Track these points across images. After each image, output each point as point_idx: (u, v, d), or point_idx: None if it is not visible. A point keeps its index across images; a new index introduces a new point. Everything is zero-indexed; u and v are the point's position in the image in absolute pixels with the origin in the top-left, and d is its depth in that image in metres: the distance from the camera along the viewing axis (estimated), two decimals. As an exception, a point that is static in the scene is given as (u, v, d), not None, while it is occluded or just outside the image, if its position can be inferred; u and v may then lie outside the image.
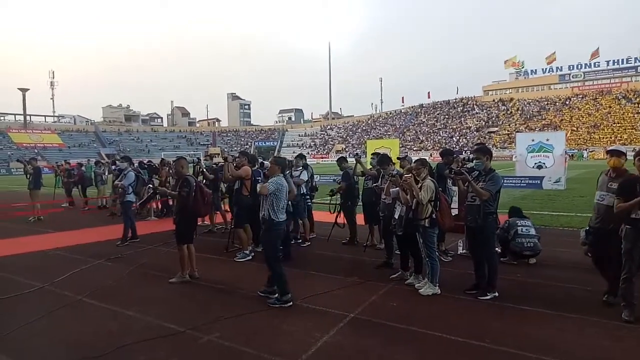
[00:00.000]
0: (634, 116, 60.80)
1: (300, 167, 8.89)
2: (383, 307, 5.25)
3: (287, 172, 7.88)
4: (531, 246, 6.94)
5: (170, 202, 12.27)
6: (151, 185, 12.15)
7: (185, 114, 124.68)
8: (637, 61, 67.93)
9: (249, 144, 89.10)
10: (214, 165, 11.11)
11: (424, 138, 75.43)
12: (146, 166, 14.05)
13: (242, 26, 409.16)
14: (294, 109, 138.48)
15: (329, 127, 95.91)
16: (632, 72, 68.72)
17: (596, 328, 4.53)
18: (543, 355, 3.92)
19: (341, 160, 8.97)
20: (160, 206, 13.32)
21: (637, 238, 4.58)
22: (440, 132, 75.98)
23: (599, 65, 71.13)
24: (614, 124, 60.87)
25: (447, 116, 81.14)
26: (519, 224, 7.10)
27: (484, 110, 77.95)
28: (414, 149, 68.66)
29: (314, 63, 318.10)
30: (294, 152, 45.42)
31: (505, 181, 18.65)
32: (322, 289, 5.86)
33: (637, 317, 4.58)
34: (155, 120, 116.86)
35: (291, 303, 5.31)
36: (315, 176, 10.00)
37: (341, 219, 8.80)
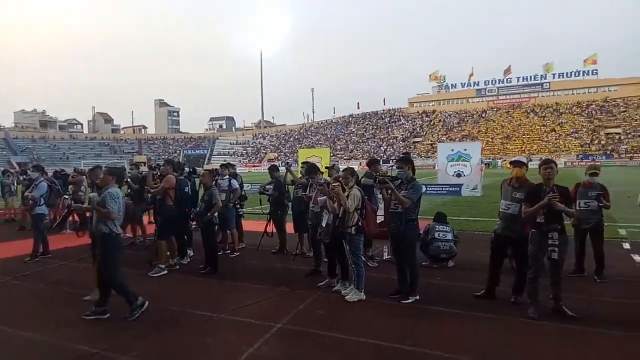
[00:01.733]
0: (540, 128, 66.77)
1: (227, 176, 8.76)
2: (310, 315, 5.27)
3: (213, 181, 7.80)
4: (447, 249, 7.36)
5: (87, 214, 11.50)
6: (67, 196, 11.30)
7: (108, 120, 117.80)
8: (543, 78, 74.74)
9: (178, 152, 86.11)
10: (140, 175, 10.59)
11: (353, 147, 77.36)
12: (60, 176, 13.08)
13: (171, 29, 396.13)
14: (225, 116, 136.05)
15: (261, 135, 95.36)
16: (539, 88, 75.49)
17: (507, 326, 4.87)
18: (460, 355, 4.13)
19: (273, 169, 8.98)
20: (76, 218, 12.42)
21: (541, 240, 5.00)
22: (369, 141, 78.39)
23: (511, 81, 77.34)
24: (524, 135, 66.38)
25: (375, 126, 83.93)
26: (436, 229, 7.51)
27: (409, 121, 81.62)
28: (345, 157, 70.14)
29: (246, 71, 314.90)
30: (225, 161, 44.48)
31: (428, 189, 19.59)
32: (249, 300, 5.78)
33: (541, 314, 4.98)
34: (75, 126, 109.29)
35: (146, 307, 5.24)
36: (245, 185, 9.92)
37: (271, 228, 8.76)
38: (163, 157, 73.84)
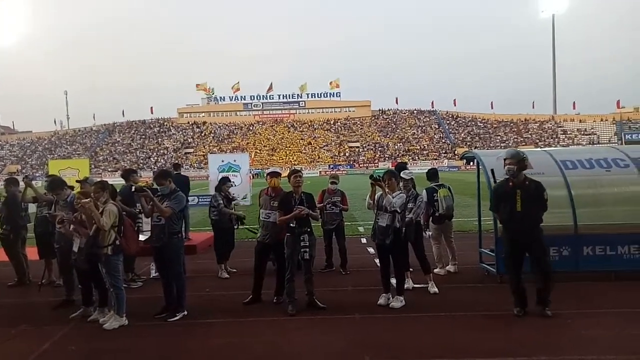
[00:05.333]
0: (299, 142, 74.69)
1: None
2: (59, 354, 4.57)
3: None
4: None
5: None
6: None
7: None
8: (299, 97, 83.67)
9: None
10: None
11: (120, 158, 71.00)
12: None
13: None
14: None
15: (-4, 144, 78.14)
16: (297, 106, 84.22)
17: (269, 326, 5.23)
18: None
19: (9, 183, 7.51)
20: None
21: (296, 243, 5.56)
22: (137, 152, 73.28)
23: (273, 98, 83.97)
24: (287, 147, 73.04)
25: (143, 136, 78.98)
26: None
27: (180, 132, 79.76)
28: (109, 169, 63.84)
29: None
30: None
31: (200, 200, 19.46)
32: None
33: (298, 309, 5.51)
34: None
35: None
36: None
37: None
38: None
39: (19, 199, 7.33)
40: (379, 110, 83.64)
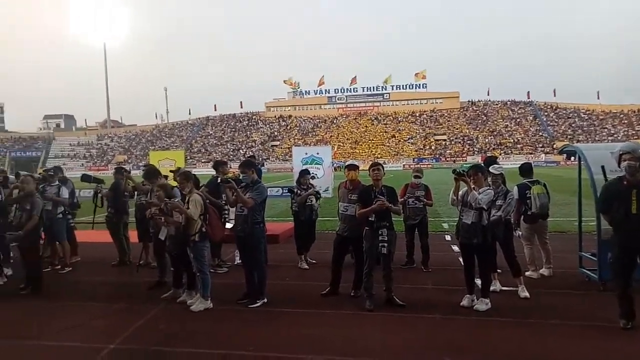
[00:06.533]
0: (383, 134, 73.72)
1: (57, 182, 7.75)
2: (150, 331, 4.90)
3: (41, 187, 6.83)
4: None
5: None
6: None
7: None
8: (384, 89, 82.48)
9: (2, 154, 73.67)
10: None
11: (212, 150, 75.47)
12: None
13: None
14: (64, 114, 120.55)
15: (107, 136, 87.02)
16: (380, 98, 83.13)
17: (345, 319, 5.18)
18: (304, 354, 4.23)
19: (117, 172, 8.27)
20: None
21: (374, 237, 5.44)
22: (228, 144, 77.28)
23: (357, 91, 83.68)
24: (370, 140, 72.51)
25: (233, 129, 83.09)
26: None
27: (267, 125, 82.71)
28: (202, 160, 68.06)
29: (88, 64, 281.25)
30: (64, 164, 39.82)
31: (284, 192, 19.98)
32: (78, 321, 5.16)
33: (376, 304, 5.39)
34: None
35: None
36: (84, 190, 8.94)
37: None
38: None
39: (122, 186, 8.04)
40: (468, 101, 79.75)
